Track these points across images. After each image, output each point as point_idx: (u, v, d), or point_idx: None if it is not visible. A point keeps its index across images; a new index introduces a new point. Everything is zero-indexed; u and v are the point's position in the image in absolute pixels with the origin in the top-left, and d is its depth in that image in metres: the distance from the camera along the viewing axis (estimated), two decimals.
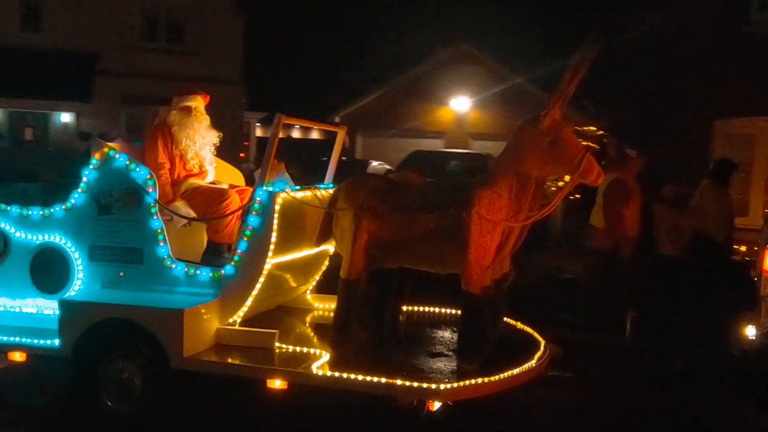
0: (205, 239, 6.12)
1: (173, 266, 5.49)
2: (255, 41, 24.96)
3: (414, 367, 5.02)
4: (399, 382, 4.66)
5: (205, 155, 6.14)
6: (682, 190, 8.84)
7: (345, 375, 4.75)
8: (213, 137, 6.18)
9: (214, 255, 5.92)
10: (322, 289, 6.76)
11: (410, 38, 27.49)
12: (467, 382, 4.72)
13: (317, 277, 6.63)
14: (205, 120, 6.15)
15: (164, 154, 5.97)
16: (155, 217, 5.51)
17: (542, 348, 5.54)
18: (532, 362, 5.21)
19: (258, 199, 5.34)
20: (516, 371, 5.01)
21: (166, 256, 5.50)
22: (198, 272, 5.46)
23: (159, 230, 5.51)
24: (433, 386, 4.62)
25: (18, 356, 5.43)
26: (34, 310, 5.80)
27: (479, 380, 4.77)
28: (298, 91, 26.89)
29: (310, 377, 4.80)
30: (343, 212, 5.32)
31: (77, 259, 5.68)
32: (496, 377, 4.85)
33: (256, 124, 32.01)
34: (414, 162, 16.92)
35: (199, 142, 6.07)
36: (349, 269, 5.25)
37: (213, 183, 6.18)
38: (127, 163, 5.55)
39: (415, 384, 4.64)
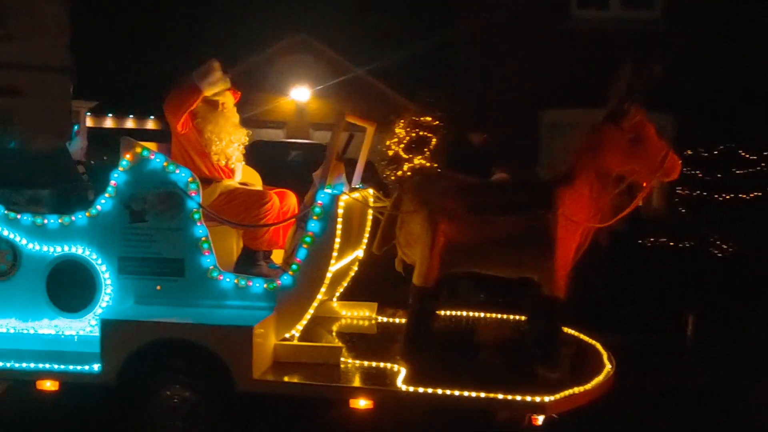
0: (236, 246, 5.62)
1: (220, 278, 4.98)
2: (83, 26, 23.26)
3: (504, 378, 4.71)
4: (500, 396, 4.38)
5: (232, 153, 5.64)
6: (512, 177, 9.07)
7: (440, 391, 4.41)
8: (240, 136, 5.70)
9: (249, 263, 5.42)
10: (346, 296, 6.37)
11: (248, 26, 26.69)
12: (568, 393, 4.47)
13: (345, 284, 6.23)
14: (234, 117, 5.67)
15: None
16: (198, 224, 4.97)
17: (602, 351, 5.38)
18: (609, 368, 5.03)
19: (320, 202, 4.91)
20: (601, 378, 4.82)
21: (211, 267, 4.98)
22: (250, 284, 4.97)
23: (203, 239, 4.97)
24: (537, 399, 4.36)
25: (49, 384, 4.75)
26: (52, 332, 5.11)
27: (577, 390, 4.54)
28: (131, 79, 25.42)
29: (401, 395, 4.43)
30: (413, 215, 4.97)
31: (104, 272, 5.05)
32: (590, 386, 4.64)
33: (86, 114, 30.26)
34: (255, 152, 16.43)
35: (225, 140, 5.57)
36: (426, 276, 4.89)
37: (244, 184, 5.69)
38: (165, 164, 4.98)
39: (518, 397, 4.36)
